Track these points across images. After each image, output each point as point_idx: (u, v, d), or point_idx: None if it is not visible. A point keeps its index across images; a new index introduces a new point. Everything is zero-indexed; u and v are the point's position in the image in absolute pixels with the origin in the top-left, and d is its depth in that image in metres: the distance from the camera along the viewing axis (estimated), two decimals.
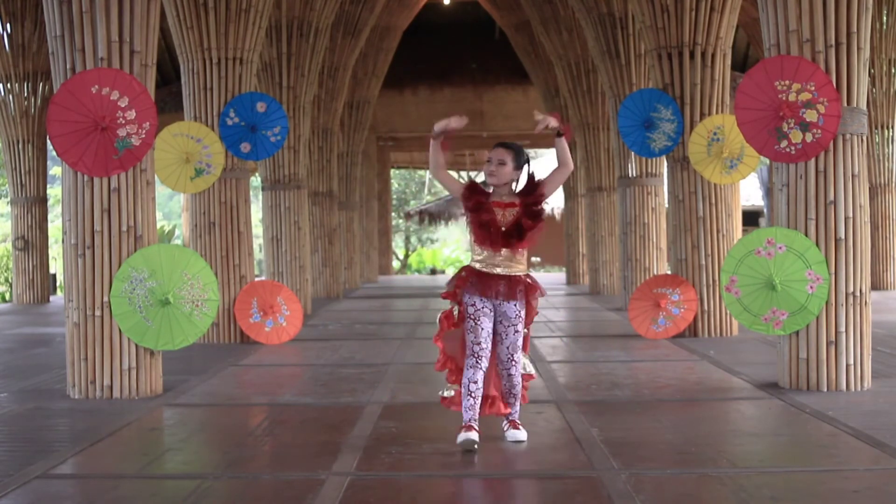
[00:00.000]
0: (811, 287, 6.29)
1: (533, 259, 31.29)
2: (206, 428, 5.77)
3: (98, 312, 6.47)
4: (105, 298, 6.47)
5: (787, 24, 6.33)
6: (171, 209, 42.30)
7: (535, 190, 4.87)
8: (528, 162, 4.96)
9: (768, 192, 23.98)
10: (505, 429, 5.03)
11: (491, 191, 4.94)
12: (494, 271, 4.85)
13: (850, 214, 6.30)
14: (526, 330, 5.03)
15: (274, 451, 4.95)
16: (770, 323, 6.46)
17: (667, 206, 11.28)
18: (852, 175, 6.30)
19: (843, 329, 6.30)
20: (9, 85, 16.03)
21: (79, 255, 6.49)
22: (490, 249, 4.84)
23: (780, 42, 6.37)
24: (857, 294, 6.33)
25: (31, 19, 15.95)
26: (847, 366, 6.30)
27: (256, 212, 26.10)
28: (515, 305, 4.88)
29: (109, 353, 6.49)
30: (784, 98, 6.28)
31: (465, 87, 24.49)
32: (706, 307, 9.55)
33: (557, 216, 29.18)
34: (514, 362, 4.94)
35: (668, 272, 10.83)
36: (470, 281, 4.88)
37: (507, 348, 4.92)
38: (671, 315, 9.32)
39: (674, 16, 9.71)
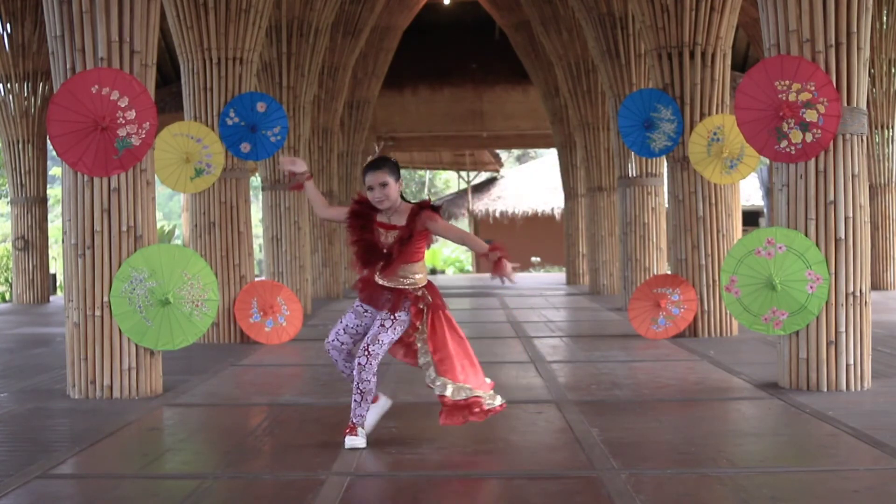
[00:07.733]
0: (811, 287, 6.29)
1: (533, 259, 31.24)
2: (206, 428, 5.77)
3: (98, 312, 6.47)
4: (105, 298, 6.47)
5: (787, 24, 6.32)
6: (171, 209, 42.29)
7: (419, 222, 4.80)
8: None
9: (768, 192, 23.96)
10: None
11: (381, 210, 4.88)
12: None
13: (850, 214, 6.30)
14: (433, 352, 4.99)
15: (274, 451, 4.95)
16: (770, 323, 6.46)
17: (667, 206, 11.28)
18: (852, 175, 6.30)
19: (843, 329, 6.30)
20: (9, 85, 16.04)
21: (79, 255, 6.49)
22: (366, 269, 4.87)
23: (780, 42, 6.37)
24: (857, 294, 6.32)
25: (31, 19, 15.96)
26: (847, 366, 6.29)
27: (256, 212, 26.09)
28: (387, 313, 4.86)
29: (109, 353, 6.49)
30: (784, 98, 6.28)
31: (465, 87, 24.48)
32: (706, 307, 9.55)
33: (557, 216, 29.19)
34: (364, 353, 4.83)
35: (668, 272, 10.83)
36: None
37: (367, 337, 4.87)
38: (671, 315, 9.32)
39: (674, 16, 9.71)
